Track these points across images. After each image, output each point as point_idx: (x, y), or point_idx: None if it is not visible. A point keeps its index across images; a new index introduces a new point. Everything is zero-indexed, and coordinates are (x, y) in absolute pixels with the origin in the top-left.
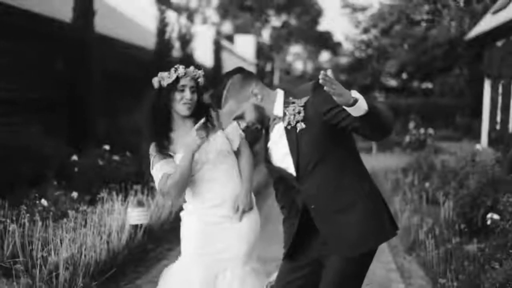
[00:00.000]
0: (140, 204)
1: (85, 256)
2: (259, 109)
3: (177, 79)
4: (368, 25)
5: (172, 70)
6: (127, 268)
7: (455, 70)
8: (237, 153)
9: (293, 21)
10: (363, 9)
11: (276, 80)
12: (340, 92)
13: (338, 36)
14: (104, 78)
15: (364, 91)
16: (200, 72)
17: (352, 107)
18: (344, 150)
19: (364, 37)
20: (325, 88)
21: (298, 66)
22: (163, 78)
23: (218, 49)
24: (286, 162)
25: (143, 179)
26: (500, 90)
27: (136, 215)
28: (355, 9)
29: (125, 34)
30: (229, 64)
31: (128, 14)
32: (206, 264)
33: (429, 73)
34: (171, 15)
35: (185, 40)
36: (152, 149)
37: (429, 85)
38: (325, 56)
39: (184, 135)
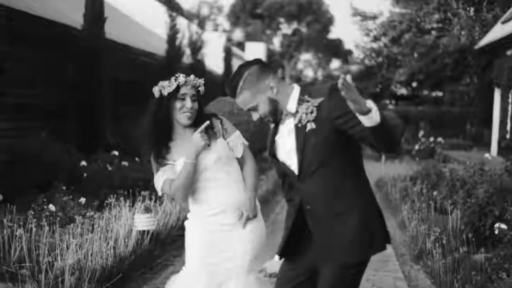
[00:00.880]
0: (147, 210)
1: (91, 261)
2: (273, 102)
3: (178, 87)
4: (378, 33)
5: (173, 79)
6: (133, 274)
7: (465, 79)
8: (241, 161)
9: (304, 29)
10: (374, 17)
11: None
12: (356, 98)
13: (348, 44)
14: (114, 84)
15: (374, 99)
16: (201, 81)
17: (365, 116)
18: (348, 157)
19: (374, 45)
20: (342, 93)
21: (309, 74)
22: (164, 87)
23: (228, 56)
24: (291, 158)
25: (151, 185)
26: (510, 99)
27: (143, 221)
28: (365, 17)
29: (135, 40)
30: None
31: (138, 20)
32: (210, 274)
33: (439, 81)
34: (182, 22)
35: (196, 47)
36: (153, 157)
37: (439, 93)
38: (335, 64)
39: (185, 144)
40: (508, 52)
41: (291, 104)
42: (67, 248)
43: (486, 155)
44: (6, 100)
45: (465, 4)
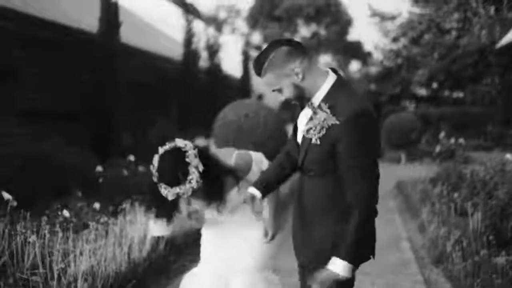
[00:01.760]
0: None
1: (104, 267)
2: (297, 88)
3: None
4: (397, 34)
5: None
6: (148, 280)
7: (486, 79)
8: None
9: (322, 31)
10: (392, 18)
11: None
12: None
13: (367, 46)
14: (130, 89)
15: (393, 100)
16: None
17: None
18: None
19: (394, 46)
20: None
21: None
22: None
23: (246, 59)
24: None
25: None
26: None
27: (158, 227)
28: (383, 18)
29: (151, 44)
30: None
31: (154, 24)
32: (218, 271)
33: (460, 82)
34: (198, 25)
35: (213, 50)
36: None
37: (459, 94)
38: (354, 65)
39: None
40: None
41: (318, 97)
42: (81, 254)
43: (507, 155)
44: (18, 105)
45: (485, 3)
